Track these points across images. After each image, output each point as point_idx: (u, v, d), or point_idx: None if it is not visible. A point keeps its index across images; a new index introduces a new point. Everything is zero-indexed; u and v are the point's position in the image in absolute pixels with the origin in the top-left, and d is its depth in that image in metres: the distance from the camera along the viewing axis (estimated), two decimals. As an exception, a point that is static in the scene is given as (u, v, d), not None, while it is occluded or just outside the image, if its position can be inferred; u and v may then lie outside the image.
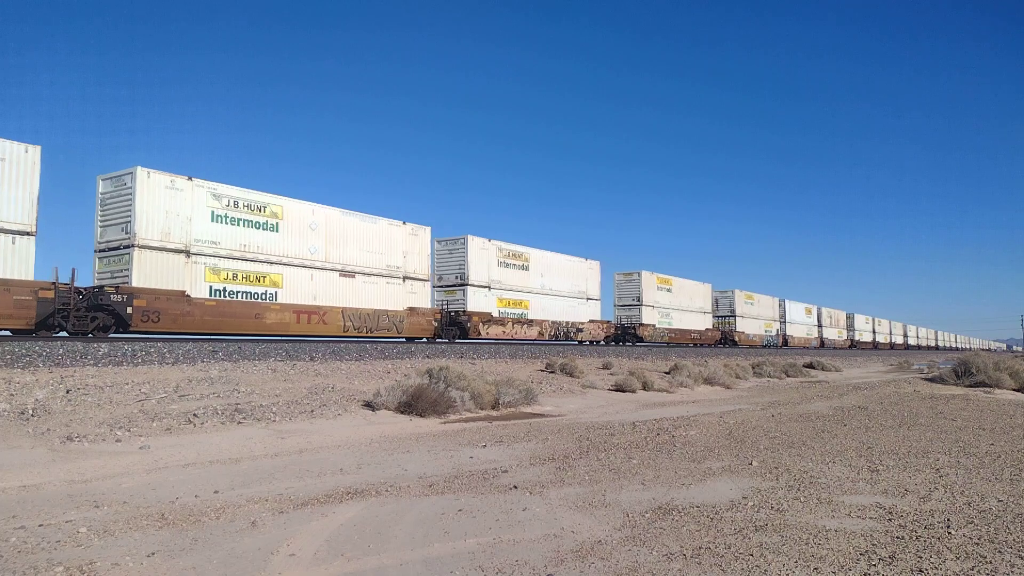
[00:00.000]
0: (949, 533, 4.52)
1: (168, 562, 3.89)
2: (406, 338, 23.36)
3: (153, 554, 4.01)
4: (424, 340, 23.75)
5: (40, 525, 4.54)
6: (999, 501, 5.47)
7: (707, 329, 44.61)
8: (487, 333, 26.11)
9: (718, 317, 47.31)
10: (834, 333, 67.59)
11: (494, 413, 11.82)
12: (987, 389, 18.76)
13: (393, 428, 9.69)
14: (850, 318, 72.90)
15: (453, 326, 25.27)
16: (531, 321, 28.81)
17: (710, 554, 4.06)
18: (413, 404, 10.67)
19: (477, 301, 26.10)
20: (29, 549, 4.05)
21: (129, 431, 7.93)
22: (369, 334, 21.43)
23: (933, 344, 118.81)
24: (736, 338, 46.95)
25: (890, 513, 5.05)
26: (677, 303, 41.13)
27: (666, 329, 39.43)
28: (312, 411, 10.00)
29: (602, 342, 33.90)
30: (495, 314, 26.83)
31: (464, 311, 25.59)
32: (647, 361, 24.44)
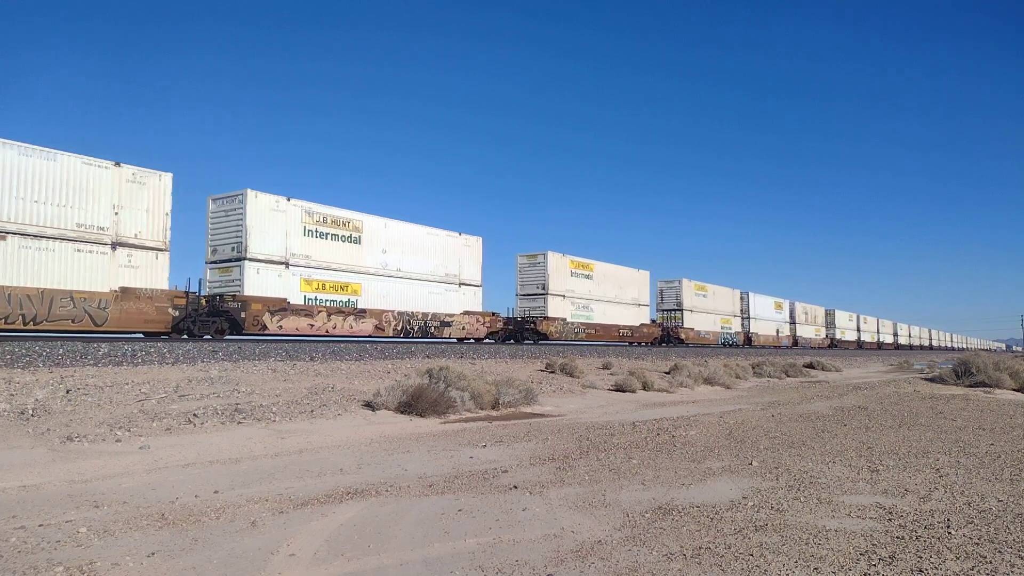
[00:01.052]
0: (949, 533, 4.52)
1: (168, 562, 3.89)
2: (144, 333, 16.73)
3: (153, 554, 4.01)
4: (165, 336, 16.89)
5: (40, 525, 4.54)
6: (999, 501, 5.47)
7: (642, 325, 37.55)
8: (279, 326, 19.15)
9: (663, 311, 41.43)
10: (810, 331, 61.55)
11: (494, 413, 11.82)
12: (987, 389, 18.76)
13: (393, 428, 9.69)
14: (830, 315, 67.49)
15: (218, 316, 18.31)
16: (363, 311, 21.60)
17: (710, 554, 4.06)
18: (413, 404, 10.67)
19: (265, 282, 19.07)
20: (29, 549, 4.05)
21: (129, 431, 7.93)
22: (31, 326, 14.21)
23: (927, 344, 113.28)
24: (683, 335, 40.48)
25: (890, 513, 5.05)
26: (600, 293, 34.02)
27: (582, 324, 32.39)
28: (312, 411, 10.00)
29: (487, 340, 27.64)
30: (296, 300, 19.83)
31: (237, 295, 18.37)
32: (647, 361, 24.45)
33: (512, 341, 29.48)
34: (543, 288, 30.63)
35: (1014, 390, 18.71)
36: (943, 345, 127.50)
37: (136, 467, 6.56)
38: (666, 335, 39.93)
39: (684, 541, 4.32)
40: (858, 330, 74.47)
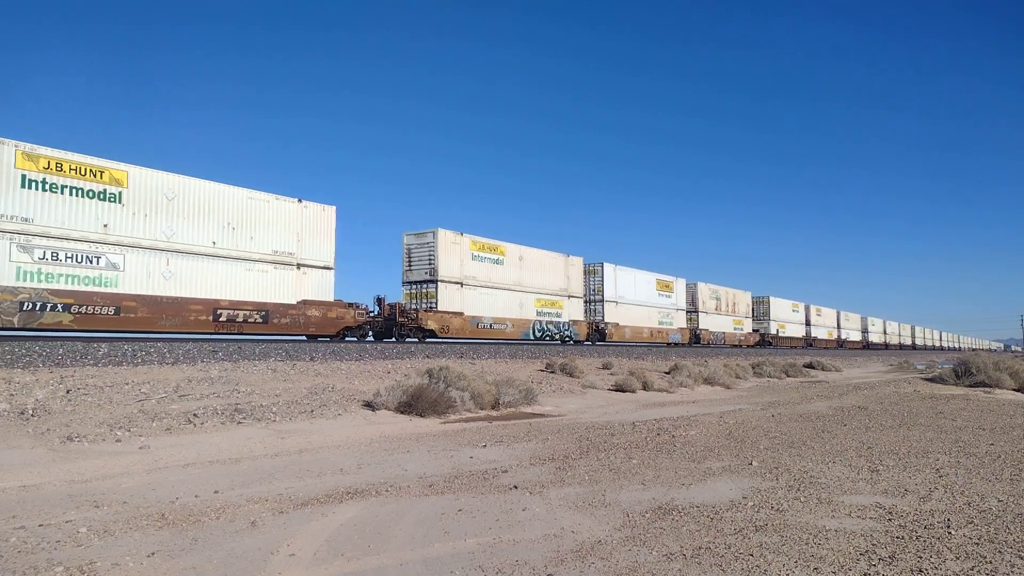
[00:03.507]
0: (949, 533, 4.52)
1: (168, 562, 3.89)
2: None
3: (153, 554, 4.01)
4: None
5: (40, 525, 4.54)
6: (999, 501, 5.47)
7: (305, 302, 19.79)
8: None
9: (411, 285, 24.55)
10: (726, 323, 46.10)
11: (494, 413, 11.82)
12: (987, 389, 18.77)
13: (393, 428, 9.69)
14: (761, 303, 52.14)
15: None
16: None
17: (710, 554, 4.06)
18: (413, 404, 10.67)
19: None
20: (29, 549, 4.05)
21: (129, 431, 7.93)
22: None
23: (909, 343, 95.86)
24: (432, 324, 23.44)
25: (890, 513, 5.05)
26: (144, 233, 16.28)
27: (51, 291, 14.57)
28: (312, 411, 10.00)
29: None
30: None
31: None
32: (647, 361, 24.45)
33: None
34: None
35: (1014, 390, 18.71)
36: (931, 344, 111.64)
37: (136, 467, 6.56)
38: (392, 323, 23.52)
39: (684, 541, 4.32)
40: (807, 324, 59.64)
